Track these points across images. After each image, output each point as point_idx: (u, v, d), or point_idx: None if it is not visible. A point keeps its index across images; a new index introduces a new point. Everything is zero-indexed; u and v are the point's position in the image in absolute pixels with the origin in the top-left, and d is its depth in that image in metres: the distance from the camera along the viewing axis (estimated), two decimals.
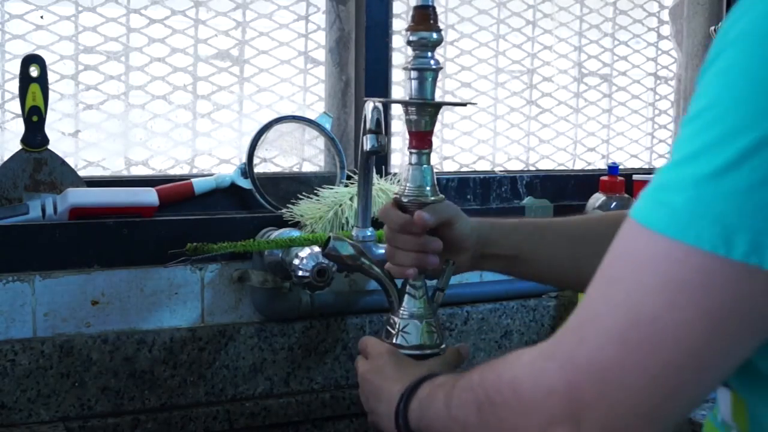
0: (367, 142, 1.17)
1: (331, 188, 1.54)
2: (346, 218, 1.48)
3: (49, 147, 1.43)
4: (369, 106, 1.17)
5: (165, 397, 1.43)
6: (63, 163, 1.44)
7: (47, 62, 1.42)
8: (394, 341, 1.12)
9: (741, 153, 0.61)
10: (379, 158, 1.44)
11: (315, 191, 1.54)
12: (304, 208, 1.51)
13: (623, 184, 1.73)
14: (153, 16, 1.54)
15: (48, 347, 1.36)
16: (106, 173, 1.55)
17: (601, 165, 1.97)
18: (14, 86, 1.41)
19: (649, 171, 1.94)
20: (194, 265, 1.45)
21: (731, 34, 0.64)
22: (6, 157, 1.43)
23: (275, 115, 1.61)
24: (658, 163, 2.06)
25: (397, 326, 1.12)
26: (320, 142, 1.65)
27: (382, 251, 1.17)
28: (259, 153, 1.59)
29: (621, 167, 1.81)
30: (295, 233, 1.44)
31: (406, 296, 1.13)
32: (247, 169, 1.55)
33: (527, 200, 1.79)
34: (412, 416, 0.94)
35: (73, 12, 1.49)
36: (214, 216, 1.50)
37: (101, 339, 1.39)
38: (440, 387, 0.89)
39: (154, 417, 1.40)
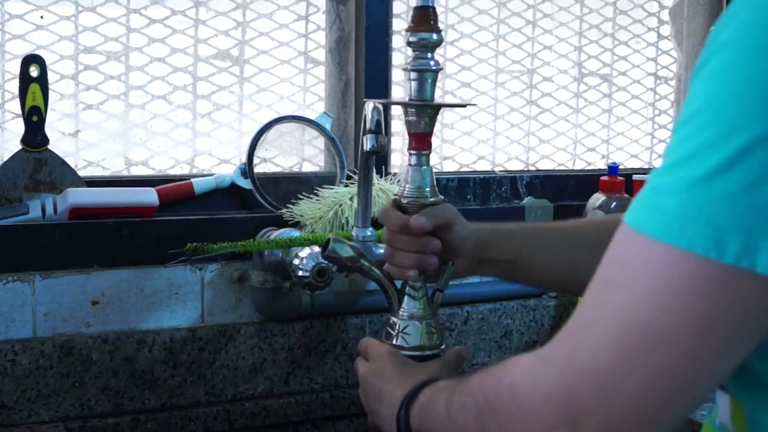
0: (367, 142, 1.17)
1: (331, 188, 1.54)
2: (346, 218, 1.48)
3: (49, 147, 1.43)
4: (369, 106, 1.17)
5: (165, 397, 1.43)
6: (63, 163, 1.44)
7: (47, 62, 1.42)
8: (394, 342, 1.11)
9: (732, 155, 0.61)
10: (379, 158, 1.44)
11: (315, 191, 1.54)
12: (304, 208, 1.51)
13: (623, 184, 1.73)
14: (153, 16, 1.54)
15: (48, 347, 1.36)
16: (106, 173, 1.55)
17: (601, 165, 1.97)
18: (14, 86, 1.41)
19: (649, 171, 1.94)
20: (194, 265, 1.45)
21: (721, 37, 0.64)
22: (6, 157, 1.43)
23: (275, 115, 1.61)
24: (658, 163, 2.06)
25: (396, 327, 1.12)
26: (320, 142, 1.65)
27: (382, 251, 1.17)
28: (259, 153, 1.59)
29: (621, 167, 1.81)
30: (295, 233, 1.44)
31: (406, 297, 1.13)
32: (247, 169, 1.55)
33: (527, 200, 1.79)
34: (413, 420, 0.94)
35: (73, 12, 1.49)
36: (214, 216, 1.51)
37: (101, 339, 1.39)
38: (441, 391, 0.90)
39: (154, 417, 1.40)
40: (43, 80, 1.40)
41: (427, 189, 1.12)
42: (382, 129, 1.17)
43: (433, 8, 1.10)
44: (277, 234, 1.45)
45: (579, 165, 1.98)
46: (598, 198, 1.73)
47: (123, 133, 1.55)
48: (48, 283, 1.37)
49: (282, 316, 1.50)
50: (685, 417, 0.68)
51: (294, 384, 1.52)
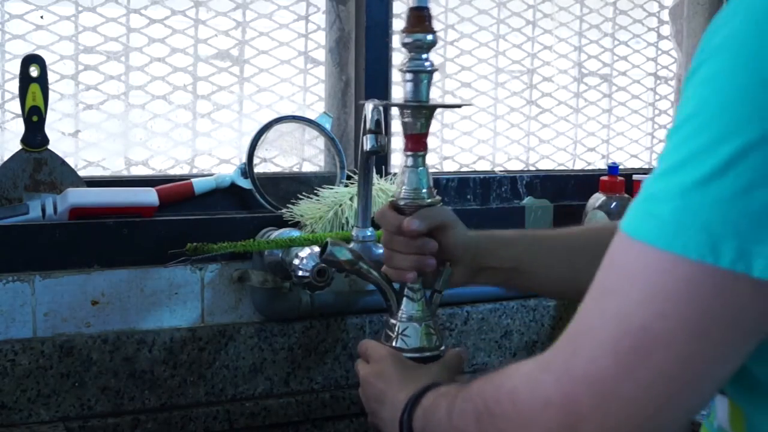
0: (367, 142, 1.17)
1: (331, 188, 1.54)
2: (346, 218, 1.48)
3: (49, 147, 1.43)
4: (369, 106, 1.17)
5: (165, 397, 1.43)
6: (63, 163, 1.44)
7: (47, 62, 1.42)
8: (393, 344, 1.11)
9: (726, 161, 0.61)
10: (379, 158, 1.44)
11: (315, 191, 1.54)
12: (304, 208, 1.51)
13: (623, 184, 1.73)
14: (153, 16, 1.54)
15: (48, 347, 1.36)
16: (106, 173, 1.55)
17: (601, 165, 1.97)
18: (14, 86, 1.41)
19: (649, 171, 1.94)
20: (194, 265, 1.45)
21: (713, 42, 0.64)
22: (6, 157, 1.43)
23: (275, 115, 1.61)
24: None
25: (396, 329, 1.12)
26: (320, 142, 1.65)
27: (382, 251, 1.17)
28: (259, 153, 1.59)
29: (621, 167, 1.81)
30: (295, 233, 1.44)
31: (405, 299, 1.13)
32: (247, 169, 1.55)
33: (527, 200, 1.79)
34: (416, 425, 0.95)
35: (73, 12, 1.49)
36: (214, 216, 1.51)
37: (101, 339, 1.39)
38: (443, 396, 0.91)
39: (154, 417, 1.40)
40: (43, 80, 1.40)
41: (424, 190, 1.12)
42: (382, 129, 1.17)
43: (428, 9, 1.10)
44: (277, 234, 1.45)
45: (579, 165, 1.98)
46: (598, 198, 1.73)
47: (123, 133, 1.55)
48: (48, 283, 1.37)
49: (282, 316, 1.50)
50: (684, 421, 0.68)
51: (294, 384, 1.52)
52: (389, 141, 1.66)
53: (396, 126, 1.73)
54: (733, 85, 0.62)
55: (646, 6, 2.03)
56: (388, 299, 1.14)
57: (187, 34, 1.57)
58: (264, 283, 1.45)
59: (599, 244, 0.72)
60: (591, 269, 0.70)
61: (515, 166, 1.90)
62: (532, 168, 1.92)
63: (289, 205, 1.52)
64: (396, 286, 1.15)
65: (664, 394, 0.65)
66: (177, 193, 1.51)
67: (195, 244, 1.40)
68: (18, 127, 1.43)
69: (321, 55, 1.68)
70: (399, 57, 1.70)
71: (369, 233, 1.28)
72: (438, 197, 1.13)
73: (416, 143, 1.12)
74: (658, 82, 2.06)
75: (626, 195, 1.72)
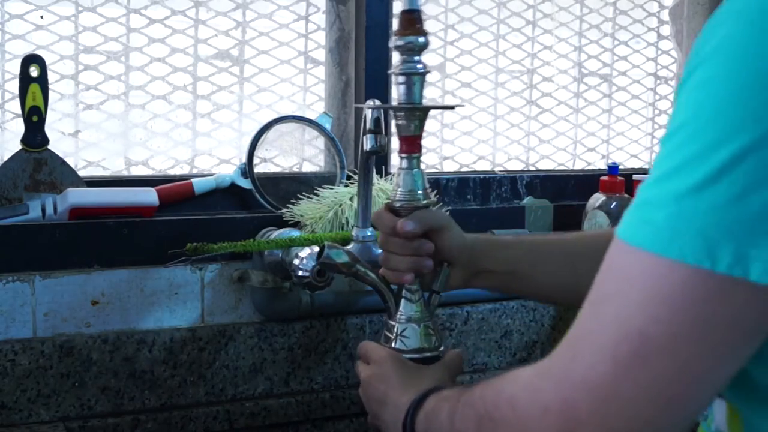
0: (367, 142, 1.17)
1: (331, 188, 1.54)
2: (346, 218, 1.48)
3: (49, 147, 1.43)
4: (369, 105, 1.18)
5: (165, 397, 1.43)
6: (63, 163, 1.44)
7: (47, 62, 1.42)
8: (393, 345, 1.11)
9: (720, 166, 0.61)
10: (379, 158, 1.44)
11: (315, 191, 1.54)
12: (304, 208, 1.51)
13: (623, 184, 1.73)
14: (153, 16, 1.54)
15: (48, 347, 1.36)
16: (106, 173, 1.55)
17: (601, 165, 1.97)
18: (14, 86, 1.41)
19: (649, 171, 1.94)
20: (194, 265, 1.45)
21: (706, 48, 0.64)
22: (6, 157, 1.43)
23: (275, 115, 1.61)
24: None
25: (395, 330, 1.12)
26: (320, 142, 1.65)
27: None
28: (259, 153, 1.59)
29: (621, 167, 1.81)
30: (295, 233, 1.44)
31: (403, 300, 1.13)
32: (247, 169, 1.56)
33: (527, 200, 1.79)
34: (418, 428, 0.95)
35: (73, 12, 1.49)
36: (214, 216, 1.51)
37: (101, 339, 1.39)
38: (445, 400, 0.91)
39: (154, 417, 1.40)
40: (43, 80, 1.40)
41: (419, 192, 1.11)
42: (381, 129, 1.18)
43: (419, 11, 1.09)
44: (277, 234, 1.45)
45: (579, 165, 1.98)
46: (598, 198, 1.73)
47: (123, 133, 1.55)
48: (48, 283, 1.37)
49: (282, 316, 1.50)
50: (684, 425, 0.68)
51: (294, 384, 1.52)
52: (389, 141, 1.66)
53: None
54: (728, 88, 0.62)
55: (646, 6, 2.03)
56: (386, 301, 1.14)
57: (187, 34, 1.57)
58: (264, 283, 1.45)
59: (598, 249, 0.72)
60: (591, 274, 0.70)
61: (515, 166, 1.90)
62: (532, 168, 1.92)
63: (289, 205, 1.52)
64: (394, 287, 1.15)
65: (662, 399, 0.65)
66: (177, 193, 1.52)
67: (195, 244, 1.40)
68: (18, 127, 1.43)
69: (321, 55, 1.68)
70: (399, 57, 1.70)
71: (369, 233, 1.28)
72: (434, 199, 1.13)
73: (410, 145, 1.12)
74: (658, 82, 2.06)
75: (626, 195, 1.72)
